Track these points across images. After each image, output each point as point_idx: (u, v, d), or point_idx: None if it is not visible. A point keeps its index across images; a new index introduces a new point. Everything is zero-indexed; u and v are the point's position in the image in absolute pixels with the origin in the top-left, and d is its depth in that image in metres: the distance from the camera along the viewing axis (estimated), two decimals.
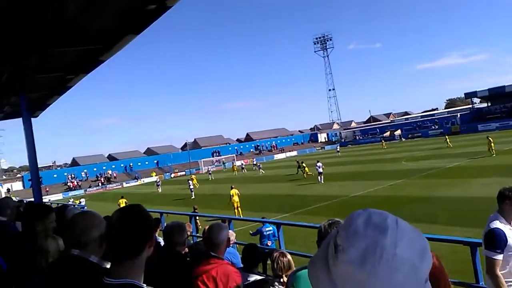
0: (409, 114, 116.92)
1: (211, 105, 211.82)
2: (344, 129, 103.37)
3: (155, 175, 64.42)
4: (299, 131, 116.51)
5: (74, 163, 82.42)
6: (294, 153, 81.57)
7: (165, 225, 7.41)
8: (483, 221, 13.67)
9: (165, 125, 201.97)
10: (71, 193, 55.52)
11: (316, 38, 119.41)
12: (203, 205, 22.51)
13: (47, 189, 55.03)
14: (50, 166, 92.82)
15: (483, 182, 18.90)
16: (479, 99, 74.61)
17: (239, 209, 19.88)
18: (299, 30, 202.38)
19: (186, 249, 3.57)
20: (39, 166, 6.48)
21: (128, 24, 4.12)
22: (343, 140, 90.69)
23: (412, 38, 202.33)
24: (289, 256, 3.61)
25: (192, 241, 6.80)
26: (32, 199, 6.33)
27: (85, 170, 66.23)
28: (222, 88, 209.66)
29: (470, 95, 72.49)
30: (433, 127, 72.91)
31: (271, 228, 10.42)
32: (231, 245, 5.31)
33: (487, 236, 3.70)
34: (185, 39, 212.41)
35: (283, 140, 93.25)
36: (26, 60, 4.83)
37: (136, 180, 63.94)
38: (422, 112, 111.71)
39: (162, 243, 3.89)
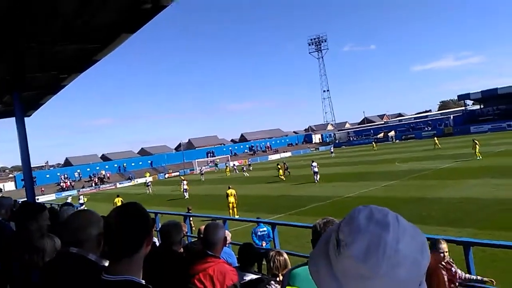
0: (403, 116, 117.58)
1: (206, 106, 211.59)
2: (338, 130, 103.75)
3: (149, 176, 64.22)
4: (293, 132, 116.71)
5: (67, 163, 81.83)
6: (289, 154, 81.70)
7: (160, 225, 7.39)
8: (475, 221, 13.87)
9: (159, 125, 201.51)
10: (64, 194, 55.12)
11: (311, 39, 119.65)
12: (196, 205, 22.44)
13: (42, 189, 54.68)
14: (43, 166, 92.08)
15: (475, 183, 19.10)
16: (472, 101, 75.23)
17: (235, 209, 19.86)
18: (295, 31, 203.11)
19: (181, 249, 3.57)
20: (31, 166, 6.43)
21: (123, 23, 4.11)
22: (337, 141, 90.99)
23: (407, 41, 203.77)
24: (285, 255, 3.62)
25: (187, 241, 6.79)
26: (25, 199, 6.29)
27: (78, 170, 65.79)
28: (216, 89, 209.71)
29: (463, 97, 73.08)
30: (426, 129, 73.39)
31: (265, 228, 10.40)
32: (226, 245, 5.32)
33: None
34: (180, 39, 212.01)
35: (278, 141, 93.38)
36: (20, 58, 4.81)
37: (129, 181, 63.65)
38: (416, 114, 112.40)
39: (158, 244, 3.89)
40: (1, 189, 56.15)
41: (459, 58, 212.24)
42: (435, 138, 47.76)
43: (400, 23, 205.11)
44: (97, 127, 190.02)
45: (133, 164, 72.01)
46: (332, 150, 62.01)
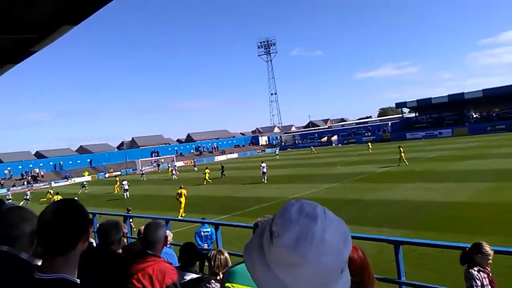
0: (345, 121, 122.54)
1: (151, 104, 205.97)
2: (285, 133, 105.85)
3: (88, 175, 61.31)
4: (240, 133, 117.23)
5: None
6: (235, 155, 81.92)
7: (97, 226, 7.08)
8: (408, 222, 14.71)
9: (101, 123, 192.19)
10: None
11: (261, 42, 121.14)
12: (137, 206, 21.84)
13: None
14: None
15: (409, 187, 20.39)
16: (409, 109, 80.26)
17: (181, 210, 19.62)
18: (244, 32, 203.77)
19: (120, 250, 3.47)
20: None
21: (64, 14, 3.91)
22: (283, 143, 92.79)
23: (351, 48, 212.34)
24: (226, 254, 3.65)
25: (126, 242, 6.59)
26: None
27: (9, 168, 61.21)
28: (163, 87, 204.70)
29: (400, 105, 77.76)
30: (366, 134, 77.14)
31: (209, 229, 10.35)
32: (168, 246, 5.24)
33: None
34: (124, 34, 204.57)
35: (225, 142, 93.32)
36: None
37: (66, 180, 60.33)
38: (357, 119, 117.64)
39: (95, 244, 3.75)
40: None
41: (398, 68, 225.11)
42: (369, 144, 51.97)
43: (345, 30, 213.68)
44: (31, 122, 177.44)
45: (70, 162, 68.35)
46: (277, 153, 63.11)
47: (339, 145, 76.55)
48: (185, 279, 3.30)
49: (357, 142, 74.54)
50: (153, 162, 69.61)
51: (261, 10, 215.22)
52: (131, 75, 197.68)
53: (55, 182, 58.18)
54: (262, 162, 31.62)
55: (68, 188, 48.58)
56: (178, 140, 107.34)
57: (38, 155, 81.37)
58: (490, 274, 4.15)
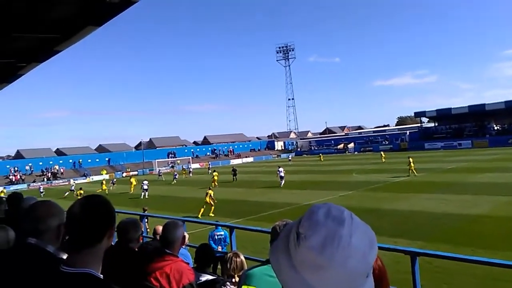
0: (363, 129, 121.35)
1: (170, 106, 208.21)
2: (301, 139, 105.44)
3: (105, 173, 62.25)
4: (256, 137, 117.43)
5: (19, 155, 77.87)
6: (251, 159, 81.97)
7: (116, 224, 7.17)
8: (425, 234, 14.42)
9: (120, 122, 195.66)
10: (12, 187, 52.26)
11: (279, 47, 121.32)
12: (152, 206, 22.04)
13: None
14: None
15: (426, 197, 20.02)
16: (428, 119, 79.00)
17: (202, 210, 20.10)
18: (264, 37, 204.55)
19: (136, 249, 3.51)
20: None
21: (89, 15, 4.00)
22: (299, 149, 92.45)
23: (370, 56, 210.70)
24: (242, 257, 3.64)
25: (142, 242, 6.65)
26: None
27: (30, 164, 62.63)
28: (181, 89, 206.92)
29: (419, 115, 76.62)
30: (384, 143, 76.17)
31: (222, 232, 10.37)
32: (184, 246, 5.27)
33: None
34: (146, 36, 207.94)
35: (240, 146, 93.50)
36: None
37: (84, 178, 61.38)
38: (375, 128, 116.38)
39: (114, 241, 3.80)
40: None
41: (417, 77, 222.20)
42: (382, 153, 51.42)
43: (363, 37, 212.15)
44: (53, 120, 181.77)
45: (89, 160, 69.53)
46: (290, 158, 63.11)
47: (355, 152, 75.81)
48: (201, 280, 3.31)
49: (374, 150, 73.65)
50: (169, 163, 70.23)
51: (281, 15, 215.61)
52: (151, 76, 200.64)
53: (74, 180, 59.19)
54: (280, 167, 32.35)
55: (89, 186, 49.35)
56: (194, 142, 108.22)
57: (59, 152, 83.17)
58: None
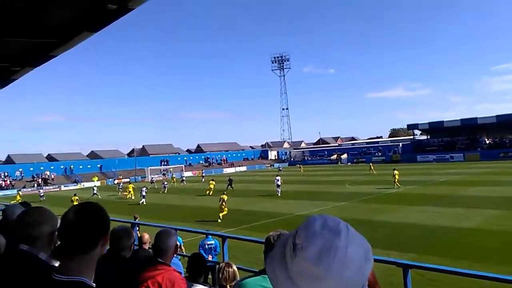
0: (356, 140, 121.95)
1: (164, 113, 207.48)
2: (294, 149, 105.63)
3: (97, 180, 61.75)
4: (250, 146, 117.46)
5: (9, 160, 77.04)
6: (244, 168, 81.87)
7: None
8: (417, 247, 14.41)
9: (113, 128, 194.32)
10: (1, 193, 51.65)
11: (274, 57, 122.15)
12: (145, 214, 21.84)
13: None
14: None
15: (419, 210, 20.08)
16: (420, 131, 79.63)
17: (221, 214, 20.91)
18: (259, 47, 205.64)
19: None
20: None
21: (85, 21, 3.99)
22: (292, 159, 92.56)
23: (364, 68, 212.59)
24: (234, 267, 3.61)
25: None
26: None
27: (20, 169, 61.93)
28: (176, 97, 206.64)
29: (412, 127, 77.29)
30: (377, 154, 76.56)
31: (213, 241, 10.29)
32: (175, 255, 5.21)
33: None
34: (140, 43, 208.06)
35: (234, 155, 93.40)
36: None
37: (75, 184, 60.77)
38: (368, 139, 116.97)
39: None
40: None
41: (410, 89, 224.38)
42: (371, 164, 52.03)
43: (358, 49, 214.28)
44: (45, 125, 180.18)
45: (81, 166, 68.90)
46: (280, 168, 63.69)
47: (349, 163, 76.04)
48: None
49: (366, 161, 73.86)
50: (161, 170, 69.86)
51: (276, 25, 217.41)
52: (144, 83, 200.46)
53: (64, 186, 58.68)
54: (277, 176, 33.19)
55: (79, 192, 48.84)
56: (188, 150, 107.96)
57: (50, 158, 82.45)
58: None
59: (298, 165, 66.62)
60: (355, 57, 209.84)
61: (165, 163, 75.90)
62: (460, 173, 40.52)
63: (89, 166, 70.33)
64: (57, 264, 1.72)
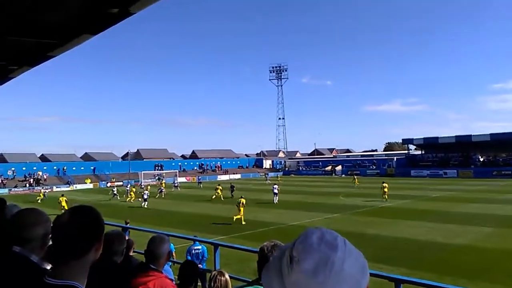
0: (351, 152, 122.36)
1: (159, 118, 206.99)
2: (289, 159, 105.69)
3: (89, 182, 61.34)
4: (245, 154, 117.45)
5: (2, 159, 76.43)
6: (238, 176, 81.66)
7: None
8: (409, 261, 14.42)
9: (108, 131, 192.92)
10: None
11: (273, 67, 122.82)
12: (136, 219, 21.71)
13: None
14: None
15: (411, 225, 20.10)
16: (415, 146, 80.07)
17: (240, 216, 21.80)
18: (258, 56, 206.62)
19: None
20: None
21: (86, 23, 3.99)
22: (286, 168, 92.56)
23: (361, 81, 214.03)
24: (227, 276, 3.57)
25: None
26: None
27: (13, 168, 61.36)
28: (172, 102, 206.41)
29: (407, 142, 77.70)
30: (371, 167, 76.77)
31: (200, 247, 10.21)
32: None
33: None
34: (138, 47, 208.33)
35: (229, 162, 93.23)
36: None
37: (68, 185, 60.25)
38: (363, 152, 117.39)
39: None
40: None
41: (406, 104, 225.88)
42: (355, 176, 53.25)
43: (356, 63, 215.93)
44: (39, 125, 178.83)
45: (74, 168, 68.36)
46: (268, 178, 65.62)
47: (343, 175, 76.13)
48: None
49: (361, 174, 74.06)
50: (155, 175, 69.52)
51: (275, 35, 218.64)
52: (141, 87, 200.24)
53: (56, 187, 58.15)
54: (275, 184, 34.34)
55: (71, 194, 48.48)
56: (182, 156, 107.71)
57: (43, 158, 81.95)
58: None
59: (277, 176, 67.19)
60: (353, 70, 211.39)
61: (159, 168, 75.59)
62: (453, 189, 40.69)
63: (82, 168, 69.84)
64: (49, 267, 1.69)
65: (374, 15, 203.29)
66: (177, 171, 70.75)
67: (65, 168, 67.03)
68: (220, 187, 36.69)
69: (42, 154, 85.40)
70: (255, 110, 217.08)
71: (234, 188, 38.38)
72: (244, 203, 22.51)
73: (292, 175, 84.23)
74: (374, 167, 76.09)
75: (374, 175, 69.83)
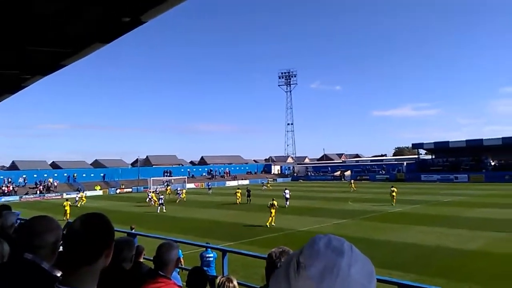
0: (360, 157, 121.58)
1: (168, 124, 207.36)
2: (298, 164, 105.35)
3: (99, 189, 61.78)
4: (254, 160, 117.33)
5: (13, 166, 77.42)
6: (247, 181, 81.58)
7: None
8: (419, 267, 14.26)
9: (118, 138, 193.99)
10: (3, 199, 51.70)
11: (282, 73, 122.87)
12: (143, 225, 21.80)
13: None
14: None
15: (421, 230, 19.89)
16: (425, 151, 79.31)
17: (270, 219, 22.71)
18: (266, 61, 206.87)
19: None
20: None
21: (99, 32, 4.08)
22: (295, 174, 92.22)
23: (371, 86, 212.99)
24: (235, 282, 3.59)
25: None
26: None
27: (24, 176, 62.10)
28: (181, 108, 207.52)
29: (417, 146, 77.03)
30: (380, 172, 76.13)
31: (211, 254, 10.27)
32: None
33: None
34: (147, 55, 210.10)
35: (237, 168, 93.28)
36: None
37: (78, 192, 60.71)
38: (372, 157, 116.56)
39: None
40: None
41: (416, 109, 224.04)
42: (352, 181, 54.32)
43: (365, 68, 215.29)
44: (49, 132, 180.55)
45: (84, 175, 68.96)
46: (264, 183, 66.22)
47: (352, 181, 75.62)
48: None
49: (370, 179, 73.54)
50: (164, 182, 69.84)
51: (284, 40, 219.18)
52: (150, 94, 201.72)
53: (67, 194, 58.65)
54: (286, 189, 34.86)
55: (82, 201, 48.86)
56: (191, 162, 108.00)
57: (54, 165, 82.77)
58: None
59: (267, 181, 67.48)
60: (362, 75, 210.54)
61: (168, 174, 75.91)
62: (464, 194, 40.20)
63: (92, 175, 70.43)
64: (59, 274, 1.71)
65: (382, 20, 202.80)
66: (186, 177, 71.02)
67: (75, 175, 67.64)
68: (240, 191, 37.83)
69: (53, 161, 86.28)
70: (263, 116, 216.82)
71: (250, 193, 38.46)
72: (276, 205, 23.40)
73: (301, 180, 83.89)
74: (384, 172, 75.47)
75: (383, 180, 69.25)
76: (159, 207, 32.25)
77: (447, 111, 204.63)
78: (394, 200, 31.75)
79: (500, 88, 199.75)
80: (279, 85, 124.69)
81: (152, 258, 3.14)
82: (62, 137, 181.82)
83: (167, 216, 29.17)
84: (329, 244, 0.80)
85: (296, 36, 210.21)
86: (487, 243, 16.41)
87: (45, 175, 64.37)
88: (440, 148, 72.11)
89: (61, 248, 1.79)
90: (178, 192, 48.65)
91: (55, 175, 65.86)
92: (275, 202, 23.61)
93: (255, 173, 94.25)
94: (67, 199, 32.31)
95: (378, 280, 4.83)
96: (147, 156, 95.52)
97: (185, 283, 3.71)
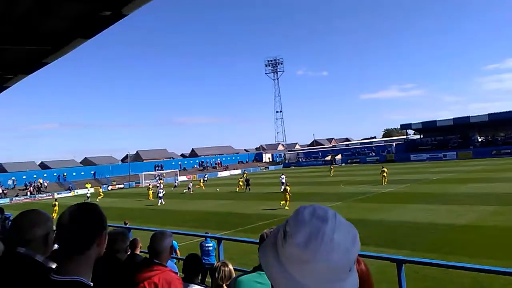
0: (350, 141, 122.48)
1: (157, 118, 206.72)
2: (289, 151, 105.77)
3: (90, 187, 61.35)
4: (244, 149, 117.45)
5: (1, 169, 76.32)
6: (238, 171, 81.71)
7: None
8: (411, 244, 14.50)
9: (107, 135, 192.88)
10: None
11: (268, 61, 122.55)
12: (135, 219, 21.80)
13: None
14: None
15: (412, 208, 20.23)
16: (413, 131, 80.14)
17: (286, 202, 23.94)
18: (252, 50, 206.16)
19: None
20: None
21: (79, 28, 4.03)
22: (287, 161, 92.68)
23: (357, 69, 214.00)
24: (230, 266, 3.65)
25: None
26: None
27: (13, 178, 61.32)
28: (168, 102, 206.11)
29: (405, 127, 77.74)
30: (370, 154, 76.91)
31: (211, 244, 10.38)
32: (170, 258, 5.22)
33: None
34: (132, 47, 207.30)
35: (228, 158, 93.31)
36: None
37: (69, 191, 60.31)
38: (362, 140, 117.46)
39: None
40: None
41: (403, 90, 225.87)
42: (331, 166, 55.51)
43: (351, 52, 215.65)
44: (37, 133, 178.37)
45: (74, 174, 68.38)
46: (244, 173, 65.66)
47: (343, 164, 76.29)
48: None
49: (361, 162, 74.30)
50: (155, 176, 69.59)
51: (269, 28, 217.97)
52: (137, 89, 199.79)
53: (58, 193, 58.19)
54: (282, 174, 36.52)
55: (73, 200, 48.50)
56: (182, 155, 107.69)
57: (43, 165, 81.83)
58: None
59: (244, 172, 67.24)
60: (348, 59, 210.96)
61: (159, 168, 75.64)
62: (453, 171, 40.86)
63: (82, 173, 69.83)
64: (54, 266, 1.73)
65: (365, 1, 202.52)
66: (178, 170, 70.83)
67: (65, 174, 67.02)
68: (242, 180, 39.79)
69: (42, 162, 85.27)
70: (252, 105, 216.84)
71: (250, 182, 38.91)
72: (289, 190, 24.58)
73: (293, 167, 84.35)
74: (374, 154, 76.25)
75: (374, 162, 70.00)
76: (160, 200, 32.81)
77: (432, 91, 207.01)
78: (386, 180, 32.37)
79: (484, 66, 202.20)
80: (266, 73, 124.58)
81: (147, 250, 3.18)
82: (51, 137, 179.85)
83: (166, 210, 29.16)
84: (314, 213, 0.86)
85: (279, 23, 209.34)
86: (477, 217, 16.77)
87: (35, 176, 63.64)
88: (428, 128, 72.92)
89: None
90: (176, 184, 49.94)
91: (45, 175, 65.15)
92: (288, 188, 24.73)
93: (247, 162, 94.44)
94: (56, 199, 32.39)
95: (372, 257, 4.94)
96: (137, 151, 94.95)
97: (181, 272, 3.76)
